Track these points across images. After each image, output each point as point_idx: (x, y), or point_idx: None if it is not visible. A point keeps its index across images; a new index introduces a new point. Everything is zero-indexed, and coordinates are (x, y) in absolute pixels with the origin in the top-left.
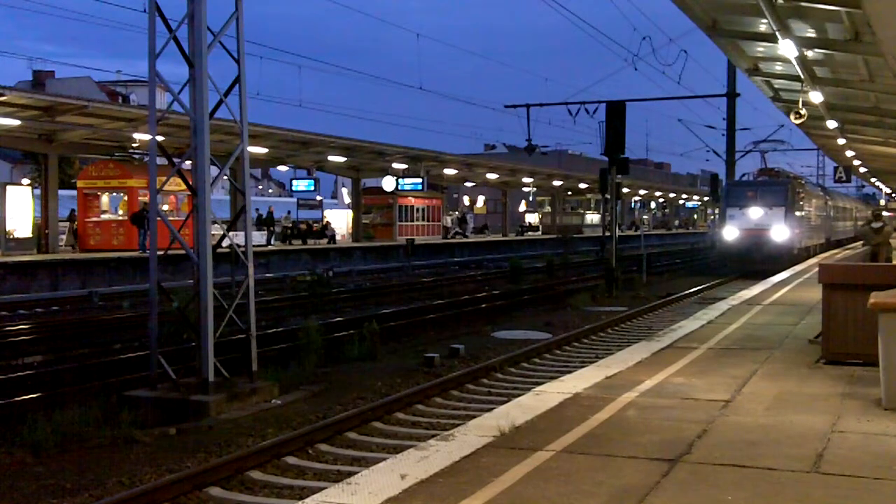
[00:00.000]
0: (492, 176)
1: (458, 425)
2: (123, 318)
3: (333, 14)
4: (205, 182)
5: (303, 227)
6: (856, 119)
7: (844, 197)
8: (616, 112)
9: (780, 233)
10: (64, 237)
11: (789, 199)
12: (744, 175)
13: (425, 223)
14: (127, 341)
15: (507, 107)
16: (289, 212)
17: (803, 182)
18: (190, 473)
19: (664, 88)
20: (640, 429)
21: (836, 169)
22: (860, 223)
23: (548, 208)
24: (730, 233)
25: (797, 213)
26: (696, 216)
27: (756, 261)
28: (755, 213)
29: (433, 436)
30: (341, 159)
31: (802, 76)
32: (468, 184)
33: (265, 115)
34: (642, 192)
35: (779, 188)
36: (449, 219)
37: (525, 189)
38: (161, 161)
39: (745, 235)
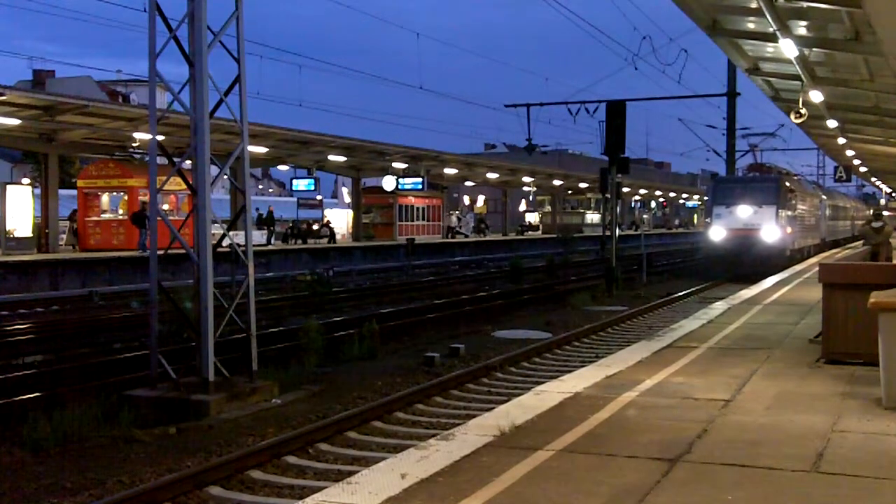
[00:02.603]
0: (492, 175)
1: (459, 425)
2: (123, 318)
3: (333, 14)
4: (205, 181)
5: (303, 226)
6: (856, 118)
7: (842, 195)
8: (616, 111)
9: (771, 233)
10: (64, 237)
11: (781, 196)
12: (732, 172)
13: (425, 223)
14: (127, 341)
15: (507, 106)
16: (290, 220)
17: (796, 179)
18: (190, 473)
19: (664, 88)
20: (641, 428)
21: (836, 168)
22: (858, 223)
23: (548, 208)
24: (716, 233)
25: (789, 212)
26: (696, 216)
27: (745, 263)
28: (744, 211)
29: (433, 435)
30: (341, 159)
31: (803, 76)
32: (468, 183)
33: (265, 114)
34: (642, 191)
35: (770, 185)
36: (453, 218)
37: (525, 189)
38: (161, 160)
39: (732, 236)
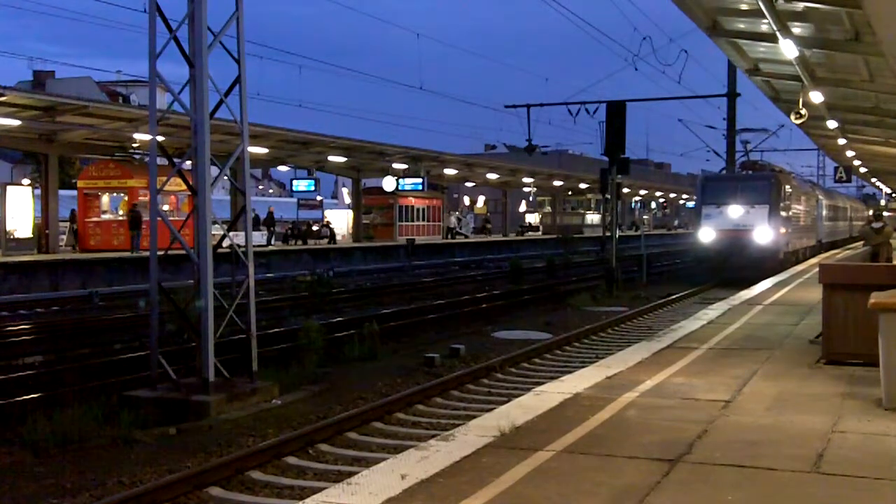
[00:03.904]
0: (492, 176)
1: (459, 425)
2: (123, 319)
3: (333, 14)
4: (205, 182)
5: (304, 227)
6: (856, 119)
7: (840, 195)
8: (616, 112)
9: (764, 234)
10: (64, 237)
11: (774, 195)
12: (722, 169)
13: (426, 223)
14: (127, 341)
15: (507, 107)
16: (290, 220)
17: (791, 177)
18: (190, 473)
19: (664, 88)
20: (641, 429)
21: (836, 169)
22: (857, 224)
23: (548, 208)
24: (706, 234)
25: (783, 212)
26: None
27: (736, 266)
28: (735, 211)
29: (433, 436)
30: (341, 159)
31: (803, 76)
32: (468, 184)
33: (265, 115)
34: (643, 192)
35: (763, 183)
36: (452, 218)
37: (525, 189)
38: (161, 161)
39: (723, 237)
